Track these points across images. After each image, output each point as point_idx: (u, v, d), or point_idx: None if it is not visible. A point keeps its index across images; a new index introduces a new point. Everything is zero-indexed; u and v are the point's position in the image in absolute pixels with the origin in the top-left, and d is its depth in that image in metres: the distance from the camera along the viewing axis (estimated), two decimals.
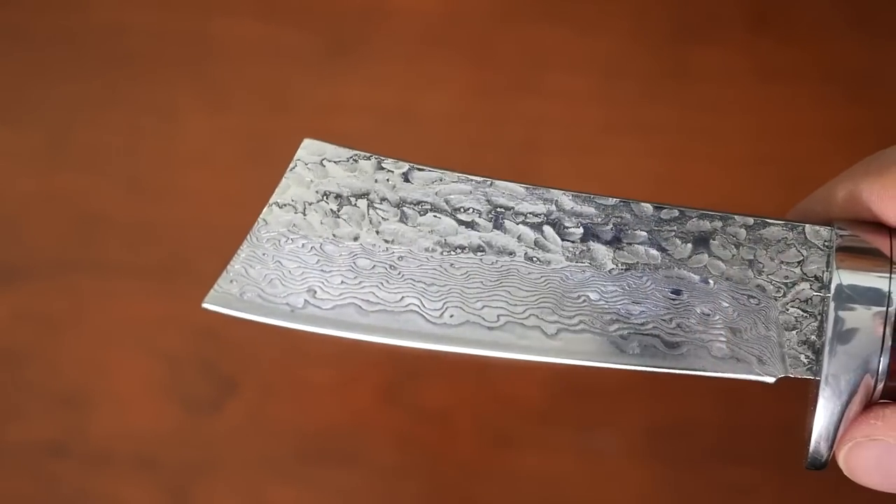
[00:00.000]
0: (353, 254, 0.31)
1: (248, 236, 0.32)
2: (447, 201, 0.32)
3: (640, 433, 0.54)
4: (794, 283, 0.30)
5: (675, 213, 0.31)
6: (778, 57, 0.60)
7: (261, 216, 0.32)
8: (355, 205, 0.32)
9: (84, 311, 0.55)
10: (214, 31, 0.59)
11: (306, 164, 0.32)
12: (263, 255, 0.32)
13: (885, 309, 0.29)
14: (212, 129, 0.58)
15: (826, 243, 0.31)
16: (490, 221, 0.31)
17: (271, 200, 0.32)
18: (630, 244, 0.31)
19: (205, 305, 0.32)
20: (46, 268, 0.56)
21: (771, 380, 0.30)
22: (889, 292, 0.29)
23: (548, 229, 0.31)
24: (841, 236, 0.30)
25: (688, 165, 0.57)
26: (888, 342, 0.29)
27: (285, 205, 0.32)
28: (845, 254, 0.30)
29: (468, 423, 0.54)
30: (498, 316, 0.31)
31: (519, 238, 0.31)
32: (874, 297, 0.29)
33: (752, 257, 0.31)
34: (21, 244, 0.56)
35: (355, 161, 0.32)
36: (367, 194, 0.32)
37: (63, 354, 0.55)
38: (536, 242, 0.31)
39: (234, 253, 0.32)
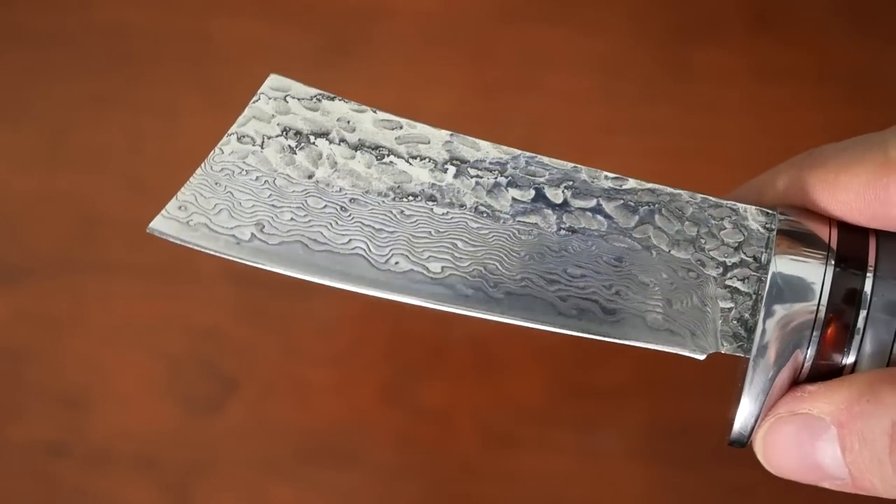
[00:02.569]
0: (305, 191, 0.31)
1: (203, 164, 0.32)
2: (406, 149, 0.32)
3: (640, 433, 0.54)
4: (733, 262, 0.31)
5: (629, 183, 0.32)
6: (778, 57, 0.60)
7: (218, 145, 0.32)
8: (314, 143, 0.32)
9: (85, 311, 0.55)
10: (214, 31, 0.59)
11: (269, 99, 0.32)
12: (216, 184, 0.32)
13: (818, 295, 0.29)
14: (212, 129, 0.57)
15: (767, 226, 0.31)
16: (445, 173, 0.31)
17: (230, 130, 0.32)
18: (579, 209, 0.31)
19: (150, 228, 0.31)
20: (47, 268, 0.56)
21: (701, 356, 0.30)
22: (823, 280, 0.29)
23: (501, 186, 0.31)
24: (782, 220, 0.31)
25: (688, 165, 0.57)
26: (817, 330, 0.29)
27: (244, 136, 0.32)
28: (785, 238, 0.30)
29: (468, 423, 0.54)
30: (442, 268, 0.31)
31: (472, 192, 0.31)
32: (808, 282, 0.30)
33: (695, 233, 0.31)
34: (21, 244, 0.56)
35: (318, 100, 0.32)
36: (327, 134, 0.32)
37: (63, 354, 0.55)
38: (488, 198, 0.31)
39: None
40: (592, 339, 0.30)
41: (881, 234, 0.31)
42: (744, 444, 0.30)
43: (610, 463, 0.54)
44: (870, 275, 0.30)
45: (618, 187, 0.32)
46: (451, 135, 0.32)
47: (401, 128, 0.32)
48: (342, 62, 0.58)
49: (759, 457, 0.30)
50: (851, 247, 0.30)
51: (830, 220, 0.31)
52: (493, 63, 0.59)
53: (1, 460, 0.54)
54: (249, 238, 0.31)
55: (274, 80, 0.33)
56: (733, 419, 0.30)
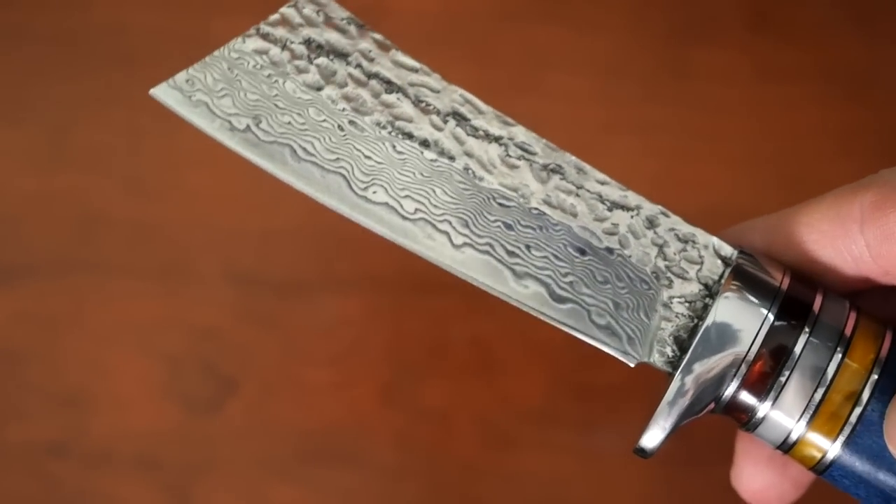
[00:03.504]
0: (310, 101, 0.32)
1: (222, 48, 0.32)
2: (415, 92, 0.33)
3: (640, 433, 0.54)
4: (685, 284, 0.32)
5: (611, 185, 0.32)
6: (778, 57, 0.60)
7: (242, 35, 0.33)
8: (331, 60, 0.32)
9: (84, 312, 0.55)
10: (214, 31, 0.59)
11: (303, 7, 0.33)
12: (228, 69, 0.32)
13: (752, 338, 0.30)
14: None
15: (726, 259, 0.32)
16: (445, 124, 0.32)
17: (258, 25, 0.33)
18: (560, 194, 0.32)
19: (152, 92, 0.32)
20: (46, 268, 0.56)
21: (632, 362, 0.31)
22: (760, 326, 0.30)
23: (492, 150, 0.32)
24: (740, 258, 0.32)
25: (688, 165, 0.57)
26: (745, 366, 0.30)
27: (268, 35, 0.33)
28: (738, 276, 0.31)
29: (468, 423, 0.54)
30: (416, 209, 0.31)
31: (463, 149, 0.32)
32: (747, 323, 0.30)
33: (658, 248, 0.32)
34: (21, 244, 0.56)
35: (348, 24, 0.33)
36: (346, 56, 0.33)
37: (63, 354, 0.55)
38: (477, 160, 0.32)
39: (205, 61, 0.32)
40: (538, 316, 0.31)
41: (827, 295, 0.31)
42: (647, 455, 0.31)
43: (610, 463, 0.54)
44: (806, 332, 0.30)
45: (601, 185, 0.32)
46: (462, 93, 0.33)
47: (416, 71, 0.33)
48: None
49: (887, 430, 0.30)
50: (796, 301, 0.31)
51: (785, 270, 0.32)
52: (493, 63, 0.59)
53: (1, 460, 0.54)
54: (244, 128, 0.32)
55: None
56: (644, 429, 0.31)
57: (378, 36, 0.33)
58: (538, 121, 0.59)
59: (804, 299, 0.31)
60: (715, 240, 0.32)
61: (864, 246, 0.31)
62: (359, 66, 0.32)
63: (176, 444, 0.54)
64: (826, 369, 0.30)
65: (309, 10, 0.33)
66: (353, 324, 0.55)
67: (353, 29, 0.33)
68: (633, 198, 0.32)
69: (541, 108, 0.58)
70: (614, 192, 0.32)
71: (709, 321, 0.30)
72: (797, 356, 0.30)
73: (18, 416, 0.54)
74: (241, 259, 0.56)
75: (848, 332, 0.31)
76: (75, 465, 0.53)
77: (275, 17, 0.33)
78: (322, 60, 0.32)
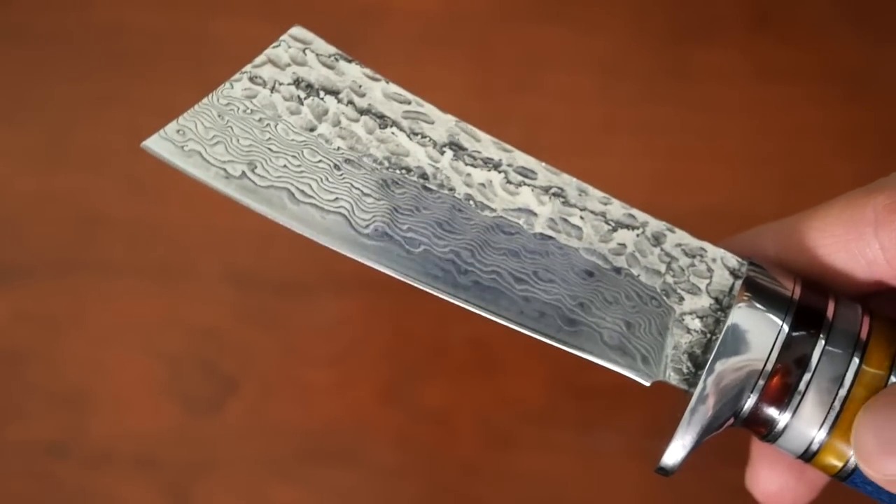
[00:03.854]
0: (304, 143, 0.32)
1: (211, 95, 0.32)
2: (409, 124, 0.32)
3: (640, 433, 0.54)
4: (696, 299, 0.31)
5: (614, 205, 0.32)
6: (778, 57, 0.60)
7: (229, 80, 0.32)
8: (322, 98, 0.32)
9: (84, 312, 0.55)
10: (214, 31, 0.59)
11: (289, 47, 0.33)
12: (218, 115, 0.32)
13: (769, 350, 0.30)
14: None
15: (735, 272, 0.32)
16: (442, 155, 0.32)
17: (245, 69, 0.32)
18: (563, 218, 0.32)
19: (144, 145, 0.32)
20: (46, 268, 0.56)
21: (647, 382, 0.31)
22: (776, 337, 0.30)
23: (493, 178, 0.32)
24: (751, 270, 0.31)
25: (688, 165, 0.57)
26: (763, 379, 0.30)
27: (256, 77, 0.32)
28: (750, 288, 0.31)
29: (468, 423, 0.54)
30: (419, 244, 0.31)
31: (463, 179, 0.32)
32: (763, 336, 0.30)
33: (666, 264, 0.32)
34: (21, 244, 0.56)
35: (336, 60, 0.33)
36: (337, 93, 0.32)
37: (63, 354, 0.55)
38: (477, 189, 0.32)
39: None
40: (548, 343, 0.31)
41: (840, 301, 0.31)
42: (668, 473, 0.31)
43: (610, 463, 0.54)
44: (822, 341, 0.30)
45: (604, 205, 0.32)
46: (457, 122, 0.32)
47: (409, 104, 0.32)
48: None
49: (854, 440, 0.30)
50: (809, 309, 0.31)
51: (796, 279, 0.31)
52: (493, 63, 0.59)
53: (1, 460, 0.54)
54: (240, 175, 0.31)
55: (297, 30, 0.33)
56: (665, 448, 0.30)
57: (367, 69, 0.33)
58: (538, 121, 0.59)
59: (817, 307, 0.31)
60: (723, 252, 0.32)
61: (879, 249, 0.31)
62: (350, 102, 0.32)
63: (176, 444, 0.54)
64: (844, 376, 0.30)
65: (295, 50, 0.33)
66: (353, 324, 0.55)
67: (341, 64, 0.33)
68: (637, 215, 0.32)
69: (541, 108, 0.58)
70: (618, 210, 0.32)
71: (723, 335, 0.30)
72: (814, 365, 0.30)
73: (18, 416, 0.54)
74: (241, 259, 0.56)
75: (863, 336, 0.30)
76: (75, 465, 0.53)
77: (261, 58, 0.32)
78: (313, 100, 0.32)
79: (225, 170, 0.31)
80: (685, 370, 0.31)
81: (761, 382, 0.30)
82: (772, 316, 0.30)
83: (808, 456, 0.31)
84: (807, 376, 0.30)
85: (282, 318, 0.55)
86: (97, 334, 0.55)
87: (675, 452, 0.30)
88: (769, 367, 0.30)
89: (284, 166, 0.31)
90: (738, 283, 0.31)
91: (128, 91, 0.58)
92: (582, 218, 0.32)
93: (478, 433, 0.54)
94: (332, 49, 0.33)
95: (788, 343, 0.30)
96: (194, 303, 0.56)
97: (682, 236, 0.32)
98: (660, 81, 0.59)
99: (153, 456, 0.54)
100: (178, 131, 0.32)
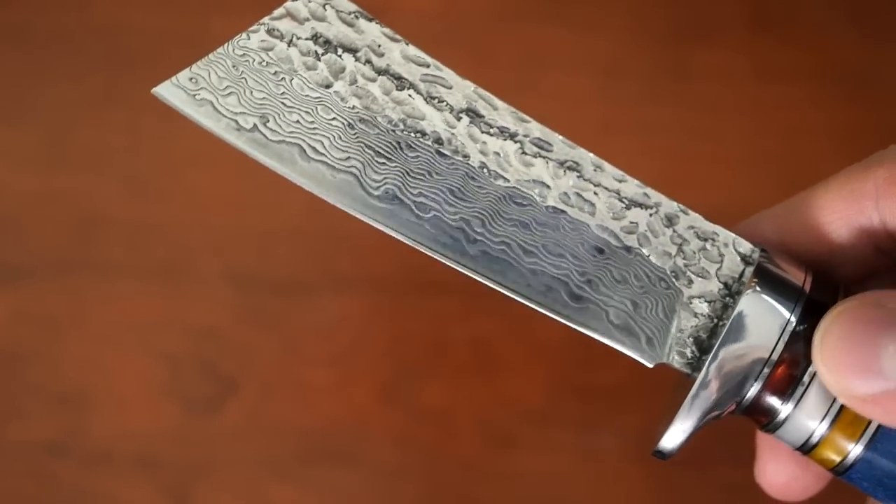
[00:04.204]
0: (319, 99, 0.31)
1: (226, 44, 0.31)
2: (427, 88, 0.32)
3: (640, 433, 0.54)
4: (705, 283, 0.31)
5: (628, 182, 0.32)
6: (778, 57, 0.60)
7: (246, 31, 0.32)
8: (339, 56, 0.31)
9: (84, 312, 0.55)
10: (214, 31, 0.59)
11: (309, 1, 0.32)
12: (233, 66, 0.31)
13: (777, 338, 0.30)
14: None
15: (746, 258, 0.31)
16: (458, 121, 0.31)
17: (263, 20, 0.32)
18: (576, 192, 0.31)
19: (155, 91, 0.31)
20: (46, 268, 0.56)
21: (651, 363, 0.31)
22: (785, 326, 0.30)
23: (509, 147, 0.31)
24: (762, 256, 0.31)
25: (688, 165, 0.57)
26: (768, 368, 0.30)
27: (274, 30, 0.32)
28: (760, 275, 0.30)
29: (468, 423, 0.54)
30: (429, 209, 0.31)
31: (478, 147, 0.31)
32: (771, 324, 0.30)
33: (677, 246, 0.31)
34: (21, 244, 0.56)
35: (356, 17, 0.32)
36: (355, 51, 0.32)
37: (63, 354, 0.55)
38: (492, 158, 0.31)
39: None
40: (557, 319, 0.31)
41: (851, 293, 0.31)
42: (665, 457, 0.31)
43: (610, 463, 0.54)
44: None
45: (619, 182, 0.32)
46: (475, 89, 0.32)
47: (428, 66, 0.32)
48: None
49: (815, 349, 0.29)
50: (819, 301, 0.30)
51: (807, 268, 0.31)
52: (493, 63, 0.59)
53: (1, 460, 0.54)
54: (251, 128, 0.31)
55: None
56: (664, 431, 0.30)
57: (387, 29, 0.32)
58: (538, 120, 0.59)
59: (826, 299, 0.30)
60: (735, 237, 0.31)
61: (881, 222, 0.31)
62: (368, 61, 0.31)
63: (176, 444, 0.54)
64: None
65: (315, 4, 0.32)
66: (353, 324, 0.55)
67: (361, 22, 0.32)
68: (652, 195, 0.32)
69: (540, 108, 0.58)
70: (632, 188, 0.32)
71: (731, 321, 0.30)
72: None
73: (18, 416, 0.54)
74: (240, 259, 0.56)
75: None
76: (75, 465, 0.53)
77: (279, 11, 0.32)
78: (330, 56, 0.31)
79: (236, 121, 0.31)
80: (689, 354, 0.31)
81: (766, 371, 0.30)
82: (781, 305, 0.30)
83: (807, 448, 0.31)
84: (812, 368, 0.30)
85: (282, 318, 0.55)
86: (97, 334, 0.55)
87: (675, 436, 0.30)
88: (775, 356, 0.30)
89: (297, 122, 0.31)
90: (749, 269, 0.31)
91: (128, 91, 0.58)
92: (596, 194, 0.31)
93: (478, 433, 0.54)
94: (352, 6, 0.32)
95: (796, 334, 0.30)
96: (194, 303, 0.56)
97: (695, 219, 0.31)
98: (660, 81, 0.59)
99: (153, 456, 0.54)
100: (190, 79, 0.31)
